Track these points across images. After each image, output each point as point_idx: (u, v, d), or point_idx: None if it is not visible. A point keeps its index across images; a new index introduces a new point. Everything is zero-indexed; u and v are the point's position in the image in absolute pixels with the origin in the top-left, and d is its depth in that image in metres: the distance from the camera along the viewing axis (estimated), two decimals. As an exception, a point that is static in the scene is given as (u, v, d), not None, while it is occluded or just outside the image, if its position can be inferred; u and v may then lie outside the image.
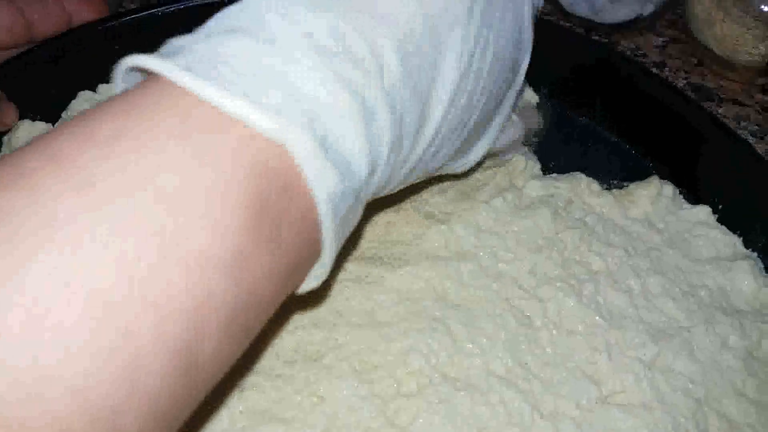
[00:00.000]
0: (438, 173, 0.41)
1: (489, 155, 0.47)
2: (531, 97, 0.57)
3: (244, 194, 0.25)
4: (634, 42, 0.71)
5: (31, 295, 0.21)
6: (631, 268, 0.46)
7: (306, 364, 0.40)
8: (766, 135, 0.63)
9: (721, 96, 0.66)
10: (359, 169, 0.29)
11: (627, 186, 0.52)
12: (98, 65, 0.55)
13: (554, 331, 0.43)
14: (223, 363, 0.28)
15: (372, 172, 0.30)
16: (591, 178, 0.51)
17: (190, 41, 0.29)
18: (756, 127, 0.63)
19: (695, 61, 0.69)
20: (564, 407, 0.40)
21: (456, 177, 0.50)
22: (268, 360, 0.40)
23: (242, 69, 0.27)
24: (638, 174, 0.53)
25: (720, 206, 0.50)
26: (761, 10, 0.62)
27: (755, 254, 0.48)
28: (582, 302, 0.44)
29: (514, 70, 0.39)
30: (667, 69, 0.69)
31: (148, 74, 0.28)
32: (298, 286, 0.32)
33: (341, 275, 0.44)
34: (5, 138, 0.52)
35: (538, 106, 0.58)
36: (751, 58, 0.65)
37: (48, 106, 0.53)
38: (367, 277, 0.44)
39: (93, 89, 0.54)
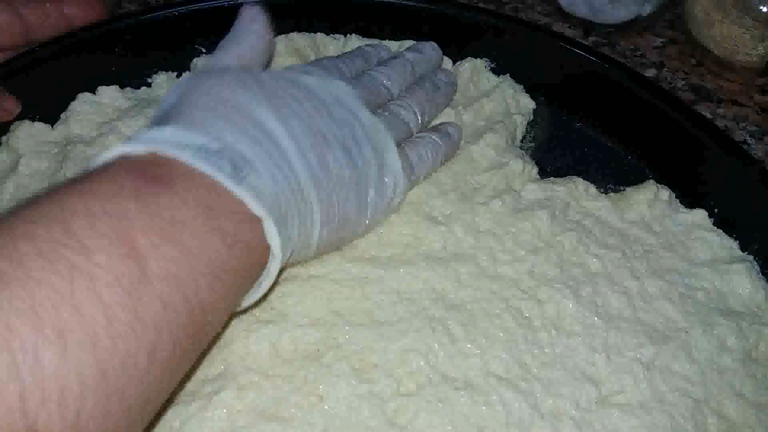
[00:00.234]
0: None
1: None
2: (528, 102, 0.58)
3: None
4: (633, 43, 0.71)
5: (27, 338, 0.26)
6: (628, 270, 0.46)
7: (305, 363, 0.40)
8: (764, 135, 0.63)
9: (720, 96, 0.66)
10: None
11: (624, 190, 0.52)
12: (98, 67, 0.55)
13: (553, 332, 0.43)
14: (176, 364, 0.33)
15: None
16: (588, 182, 0.52)
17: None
18: (755, 127, 0.63)
19: (694, 62, 0.69)
20: (563, 407, 0.40)
21: (455, 180, 0.50)
22: (267, 359, 0.40)
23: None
24: (635, 178, 0.53)
25: (716, 210, 0.50)
26: (760, 10, 0.63)
27: (751, 257, 0.49)
28: (580, 303, 0.44)
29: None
30: (665, 69, 0.69)
31: None
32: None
33: (340, 275, 0.44)
34: (4, 138, 0.52)
35: (536, 111, 0.58)
36: (749, 59, 0.65)
37: (48, 107, 0.53)
38: (366, 277, 0.44)
39: (93, 91, 0.54)
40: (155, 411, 0.33)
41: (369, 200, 0.44)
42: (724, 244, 0.49)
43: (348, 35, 0.60)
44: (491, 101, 0.56)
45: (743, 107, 0.65)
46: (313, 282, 0.43)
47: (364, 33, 0.60)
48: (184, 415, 0.38)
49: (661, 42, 0.72)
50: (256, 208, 0.35)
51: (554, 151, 0.56)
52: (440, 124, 0.52)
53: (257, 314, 0.41)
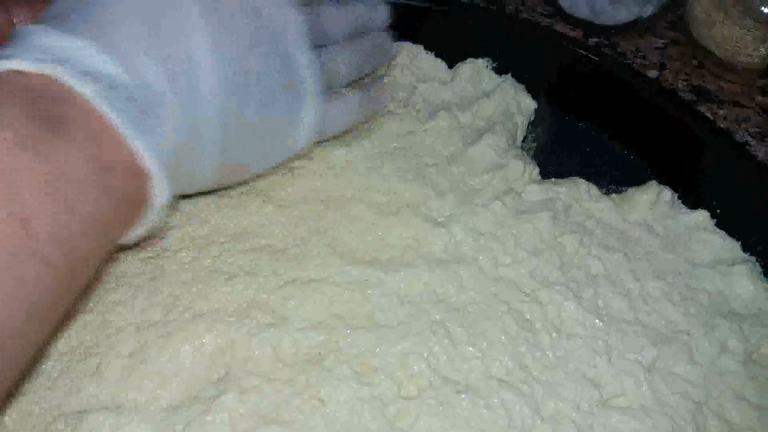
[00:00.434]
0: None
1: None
2: (529, 103, 0.58)
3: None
4: (634, 44, 0.71)
5: None
6: (630, 272, 0.46)
7: (306, 367, 0.40)
8: (766, 136, 0.63)
9: (722, 98, 0.66)
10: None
11: (626, 190, 0.52)
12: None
13: (554, 334, 0.43)
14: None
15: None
16: (590, 183, 0.51)
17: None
18: (756, 128, 0.63)
19: (695, 63, 0.69)
20: (564, 410, 0.40)
21: (453, 181, 0.50)
22: (268, 363, 0.40)
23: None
24: (637, 179, 0.53)
25: (718, 210, 0.50)
26: (761, 11, 0.62)
27: (754, 258, 0.49)
28: (582, 306, 0.44)
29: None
30: (667, 71, 0.69)
31: None
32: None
33: (341, 278, 0.44)
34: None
35: (537, 111, 0.58)
36: (751, 60, 0.65)
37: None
38: (366, 280, 0.44)
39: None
40: (27, 361, 0.32)
41: (273, 149, 0.42)
42: (727, 245, 0.49)
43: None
44: (491, 101, 0.56)
45: (744, 108, 0.65)
46: (313, 285, 0.43)
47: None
48: (186, 419, 0.38)
49: (663, 43, 0.71)
50: (152, 165, 0.33)
51: (556, 152, 0.56)
52: (369, 82, 0.51)
53: (258, 318, 0.41)
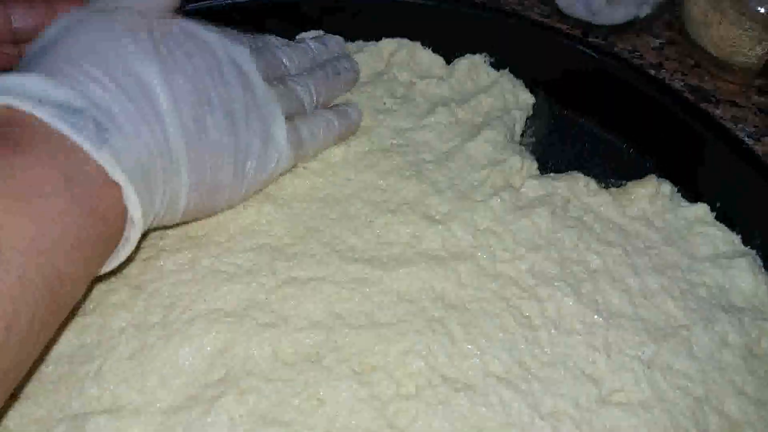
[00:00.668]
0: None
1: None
2: (527, 98, 0.58)
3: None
4: (631, 44, 0.71)
5: None
6: (629, 267, 0.46)
7: (305, 367, 0.40)
8: (762, 136, 0.63)
9: (718, 97, 0.66)
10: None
11: (625, 184, 0.52)
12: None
13: (553, 331, 0.43)
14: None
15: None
16: (589, 177, 0.51)
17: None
18: (753, 128, 0.63)
19: (692, 63, 0.69)
20: (563, 407, 0.40)
21: (451, 177, 0.50)
22: (267, 363, 0.40)
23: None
24: (636, 173, 0.53)
25: (718, 204, 0.50)
26: (758, 12, 0.62)
27: (754, 251, 0.49)
28: (581, 301, 0.44)
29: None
30: (664, 70, 0.69)
31: None
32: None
33: (340, 277, 0.44)
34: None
35: (535, 106, 0.58)
36: (747, 60, 0.65)
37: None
38: (365, 278, 0.44)
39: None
40: (14, 384, 0.33)
41: (247, 169, 0.43)
42: (726, 239, 0.49)
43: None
44: (489, 97, 0.56)
45: (741, 108, 0.65)
46: (312, 284, 0.43)
47: (363, 29, 0.60)
48: (186, 420, 0.38)
49: (659, 43, 0.71)
50: (117, 174, 0.34)
51: (554, 147, 0.56)
52: (341, 104, 0.52)
53: (257, 318, 0.41)
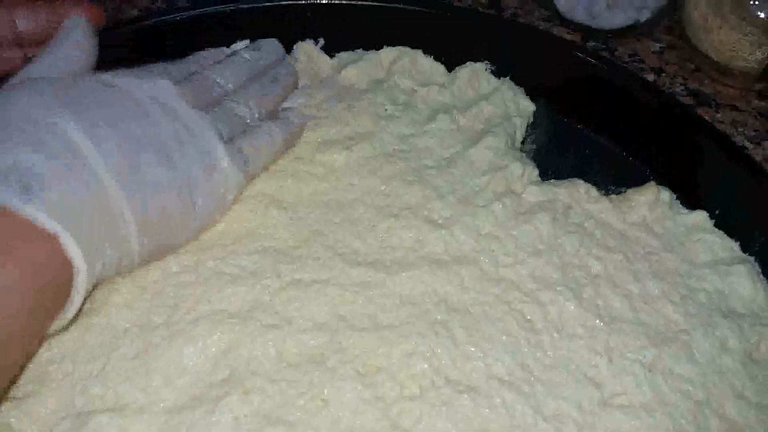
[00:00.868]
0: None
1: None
2: (528, 105, 0.58)
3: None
4: (632, 48, 0.71)
5: None
6: (630, 272, 0.47)
7: (309, 368, 0.40)
8: (763, 140, 0.63)
9: (719, 102, 0.67)
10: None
11: (625, 191, 0.52)
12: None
13: (555, 335, 0.43)
14: None
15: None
16: (589, 184, 0.52)
17: None
18: (753, 132, 0.64)
19: (692, 67, 0.70)
20: (565, 409, 0.40)
21: (453, 183, 0.50)
22: (272, 363, 0.40)
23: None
24: (636, 180, 0.53)
25: (717, 211, 0.50)
26: (758, 16, 0.63)
27: (752, 258, 0.49)
28: (582, 306, 0.44)
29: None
30: (664, 75, 0.69)
31: None
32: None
33: (343, 280, 0.44)
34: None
35: (536, 114, 0.58)
36: (748, 64, 0.65)
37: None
38: (368, 281, 0.44)
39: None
40: None
41: (195, 200, 0.42)
42: (725, 245, 0.49)
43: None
44: (490, 104, 0.57)
45: (741, 112, 0.66)
46: (316, 287, 0.43)
47: (365, 37, 0.61)
48: (190, 420, 0.38)
49: (660, 47, 0.72)
50: (49, 224, 0.34)
51: (555, 154, 0.57)
52: (282, 110, 0.52)
53: (261, 319, 0.42)
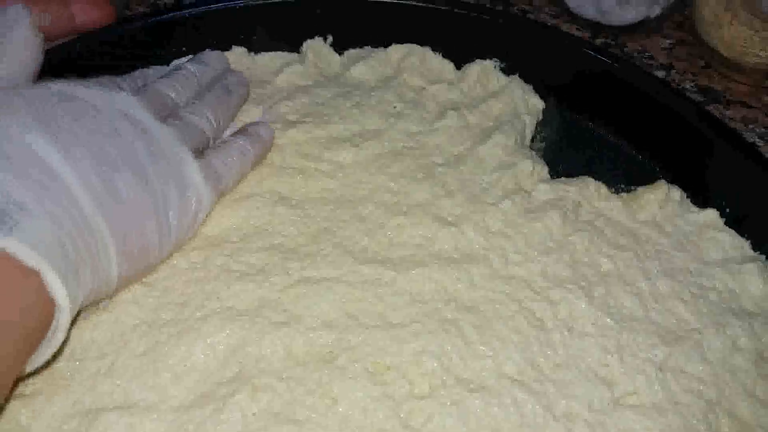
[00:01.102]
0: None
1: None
2: (537, 102, 0.58)
3: None
4: (641, 44, 0.71)
5: None
6: (640, 271, 0.46)
7: (319, 366, 0.40)
8: (773, 137, 0.63)
9: (729, 98, 0.66)
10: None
11: (635, 190, 0.52)
12: (107, 70, 0.55)
13: (566, 333, 0.43)
14: None
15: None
16: (599, 182, 0.52)
17: None
18: (763, 129, 0.63)
19: (702, 64, 0.69)
20: (576, 409, 0.40)
21: (462, 180, 0.50)
22: (281, 362, 0.40)
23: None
24: (646, 178, 0.53)
25: (727, 209, 0.50)
26: (769, 12, 0.63)
27: (763, 256, 0.49)
28: (593, 304, 0.44)
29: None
30: (674, 71, 0.69)
31: None
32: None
33: (353, 277, 0.44)
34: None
35: (545, 111, 0.58)
36: (758, 61, 0.65)
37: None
38: (378, 279, 0.44)
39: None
40: None
41: (171, 220, 0.40)
42: (736, 244, 0.49)
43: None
44: (499, 102, 0.56)
45: (752, 109, 0.65)
46: (325, 284, 0.43)
47: (373, 34, 0.60)
48: (199, 417, 0.38)
49: (670, 44, 0.72)
50: (31, 259, 0.32)
51: (565, 152, 0.56)
52: (249, 125, 0.51)
53: (270, 317, 0.41)
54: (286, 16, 0.60)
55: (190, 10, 0.58)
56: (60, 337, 0.34)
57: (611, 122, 0.57)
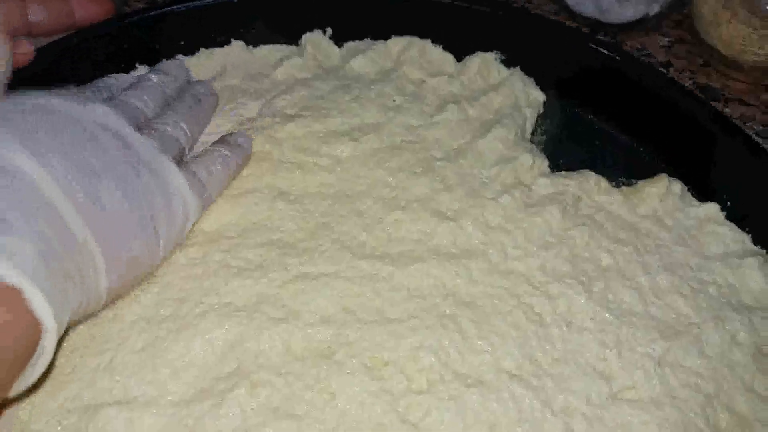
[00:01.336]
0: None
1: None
2: (538, 95, 0.58)
3: None
4: (640, 42, 0.71)
5: None
6: (640, 265, 0.46)
7: (317, 361, 0.40)
8: (772, 135, 0.63)
9: (727, 96, 0.66)
10: None
11: (636, 183, 0.52)
12: (107, 65, 0.55)
13: (564, 328, 0.43)
14: None
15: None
16: (600, 176, 0.51)
17: None
18: (762, 127, 0.63)
19: (701, 62, 0.69)
20: (575, 403, 0.40)
21: (461, 175, 0.50)
22: (279, 357, 0.40)
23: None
24: (647, 171, 0.53)
25: (728, 203, 0.50)
26: (767, 10, 0.63)
27: (764, 251, 0.49)
28: (592, 299, 0.44)
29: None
30: (673, 69, 0.69)
31: None
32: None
33: (351, 273, 0.44)
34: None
35: (546, 104, 0.58)
36: (757, 59, 0.65)
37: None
38: (376, 274, 0.44)
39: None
40: None
41: (158, 230, 0.40)
42: (737, 238, 0.49)
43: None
44: (500, 94, 0.56)
45: (750, 107, 0.65)
46: (323, 280, 0.43)
47: (373, 27, 0.60)
48: (198, 412, 0.38)
49: (668, 41, 0.72)
50: (12, 278, 0.30)
51: (565, 145, 0.56)
52: (228, 134, 0.50)
53: (269, 312, 0.42)
54: (285, 9, 0.60)
55: (188, 4, 0.58)
56: (45, 360, 0.33)
57: (612, 115, 0.57)
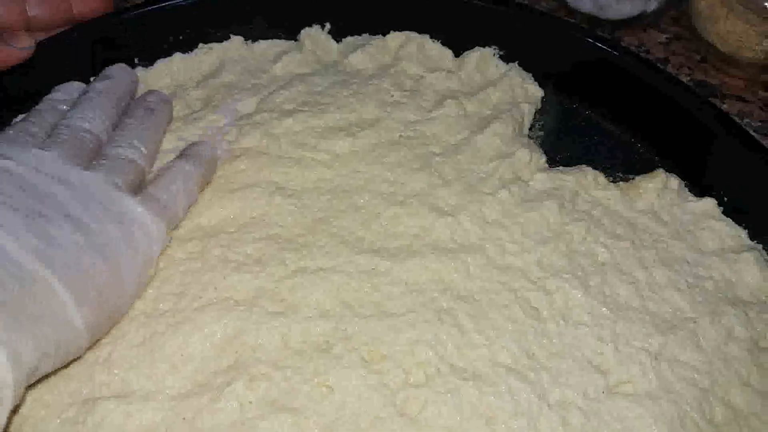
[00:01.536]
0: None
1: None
2: (536, 91, 0.58)
3: None
4: (638, 38, 0.71)
5: None
6: (637, 260, 0.47)
7: (315, 355, 0.40)
8: (770, 131, 0.63)
9: (725, 92, 0.66)
10: None
11: (633, 179, 0.52)
12: (106, 60, 0.55)
13: (561, 322, 0.43)
14: None
15: None
16: (597, 171, 0.52)
17: None
18: (759, 123, 0.64)
19: (699, 58, 0.69)
20: (571, 397, 0.40)
21: (459, 170, 0.50)
22: (277, 350, 0.40)
23: None
24: (644, 167, 0.53)
25: (725, 198, 0.50)
26: (765, 7, 0.63)
27: (761, 246, 0.49)
28: (589, 293, 0.44)
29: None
30: (670, 65, 0.69)
31: None
32: None
33: (349, 267, 0.44)
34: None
35: (544, 100, 0.58)
36: (754, 55, 0.65)
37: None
38: (374, 268, 0.44)
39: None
40: None
41: (120, 258, 0.39)
42: (733, 233, 0.49)
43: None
44: (498, 90, 0.56)
45: (747, 103, 0.65)
46: (321, 274, 0.43)
47: (371, 22, 0.60)
48: (196, 406, 0.38)
49: (666, 38, 0.72)
50: None
51: (563, 140, 0.56)
52: (189, 145, 0.49)
53: (267, 307, 0.42)
54: (284, 4, 0.60)
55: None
56: (2, 416, 0.32)
57: (610, 111, 0.57)
